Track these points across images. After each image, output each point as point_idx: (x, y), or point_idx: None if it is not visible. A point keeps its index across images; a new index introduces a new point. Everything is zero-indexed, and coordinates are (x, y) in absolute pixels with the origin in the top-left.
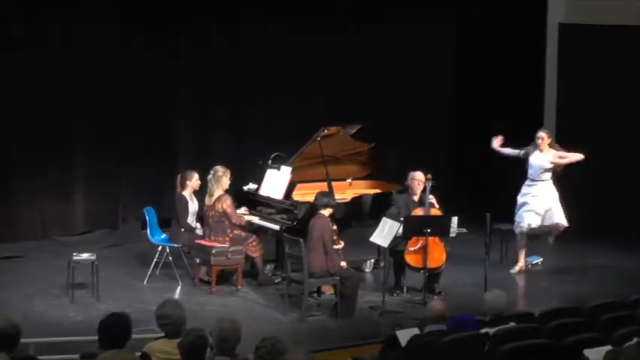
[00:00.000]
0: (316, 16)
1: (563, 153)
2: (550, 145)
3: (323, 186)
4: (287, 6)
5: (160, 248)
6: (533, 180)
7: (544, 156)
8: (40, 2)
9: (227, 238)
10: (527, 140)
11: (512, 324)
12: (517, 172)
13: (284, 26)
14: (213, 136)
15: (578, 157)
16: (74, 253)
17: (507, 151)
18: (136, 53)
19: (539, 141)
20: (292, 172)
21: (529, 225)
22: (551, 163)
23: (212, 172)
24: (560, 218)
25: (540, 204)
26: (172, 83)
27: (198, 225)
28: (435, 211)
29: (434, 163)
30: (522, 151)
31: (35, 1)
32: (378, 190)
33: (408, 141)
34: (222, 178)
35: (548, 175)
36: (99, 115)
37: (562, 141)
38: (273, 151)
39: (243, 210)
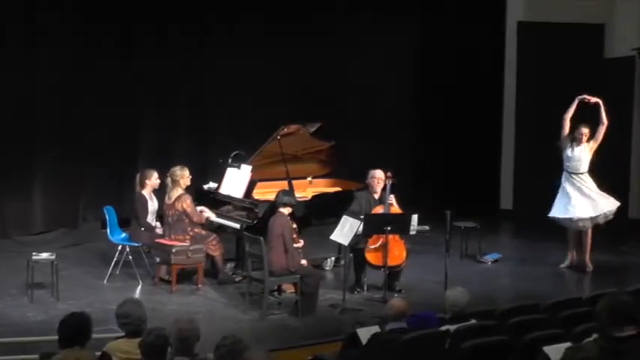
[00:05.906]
0: (280, 15)
1: (592, 140)
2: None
3: (283, 184)
4: (251, 6)
5: (120, 247)
6: (571, 173)
7: (583, 149)
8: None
9: (187, 237)
10: (487, 139)
11: (473, 321)
12: (477, 171)
13: (248, 26)
14: (174, 135)
15: (602, 129)
16: (33, 253)
17: None
18: (98, 53)
19: (583, 137)
20: (252, 171)
21: (579, 220)
22: (591, 151)
23: (169, 175)
24: (607, 205)
25: (584, 196)
26: (134, 83)
27: (158, 224)
28: (395, 209)
29: (396, 162)
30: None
31: None
32: (338, 189)
33: (371, 140)
34: (179, 180)
35: (586, 166)
36: (59, 114)
37: (521, 136)
38: (236, 150)
39: (203, 209)
